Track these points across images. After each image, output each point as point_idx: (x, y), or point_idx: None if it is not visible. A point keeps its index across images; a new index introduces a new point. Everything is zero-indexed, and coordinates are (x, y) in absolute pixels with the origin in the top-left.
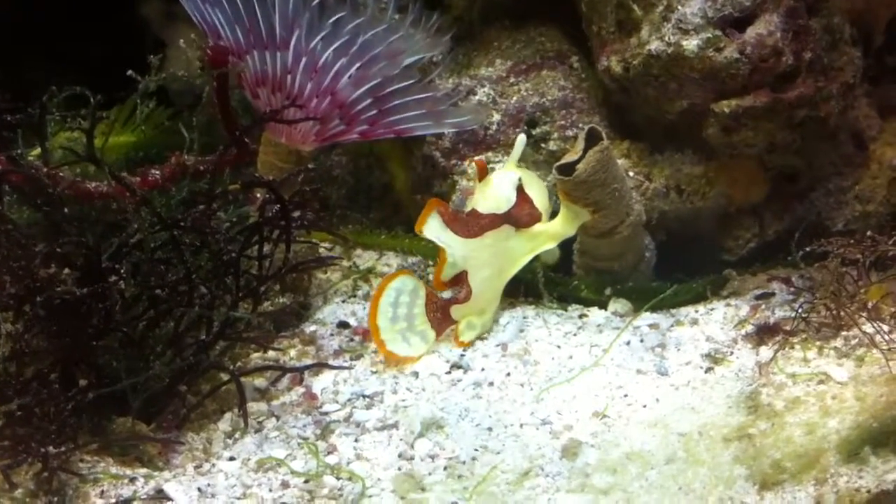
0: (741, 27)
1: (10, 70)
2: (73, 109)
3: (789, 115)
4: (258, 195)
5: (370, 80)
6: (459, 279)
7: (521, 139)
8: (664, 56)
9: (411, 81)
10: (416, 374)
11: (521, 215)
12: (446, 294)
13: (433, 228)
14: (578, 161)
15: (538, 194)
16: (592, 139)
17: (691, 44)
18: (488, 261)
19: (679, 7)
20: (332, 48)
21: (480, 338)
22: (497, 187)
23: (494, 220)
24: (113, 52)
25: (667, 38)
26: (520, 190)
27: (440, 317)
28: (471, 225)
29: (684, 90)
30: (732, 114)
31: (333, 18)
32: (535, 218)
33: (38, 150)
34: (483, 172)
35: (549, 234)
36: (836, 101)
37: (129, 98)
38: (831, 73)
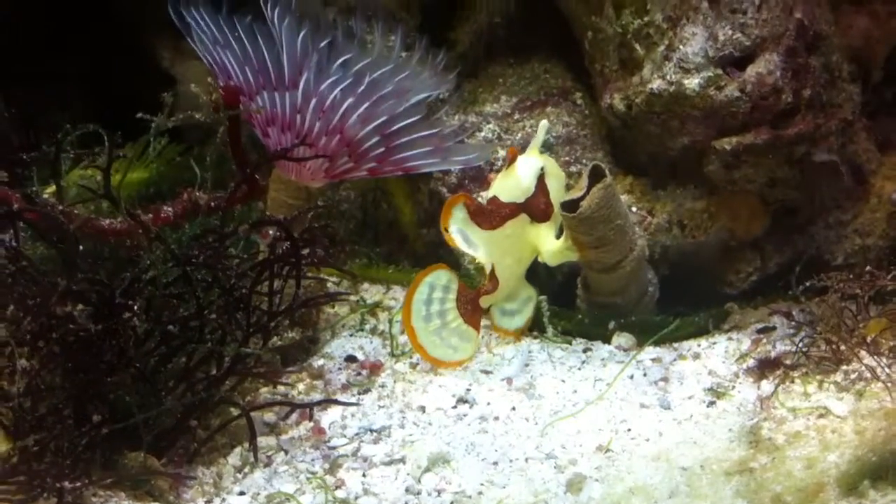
0: (741, 66)
1: (26, 90)
2: (86, 145)
3: (789, 152)
4: (269, 231)
5: (377, 119)
6: (488, 273)
7: (545, 124)
8: (666, 94)
9: (418, 119)
10: (422, 409)
11: (537, 206)
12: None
13: (458, 221)
14: (582, 198)
15: (556, 187)
16: (596, 176)
17: (692, 82)
18: (509, 249)
19: (680, 46)
20: (340, 88)
21: (485, 372)
22: (520, 176)
23: (515, 210)
24: (124, 84)
25: (668, 77)
26: (540, 179)
27: (470, 309)
28: (493, 216)
29: (686, 127)
30: (733, 151)
31: (341, 59)
32: (548, 213)
33: (53, 188)
34: (514, 160)
35: (548, 250)
36: (836, 137)
37: (141, 137)
38: (830, 109)
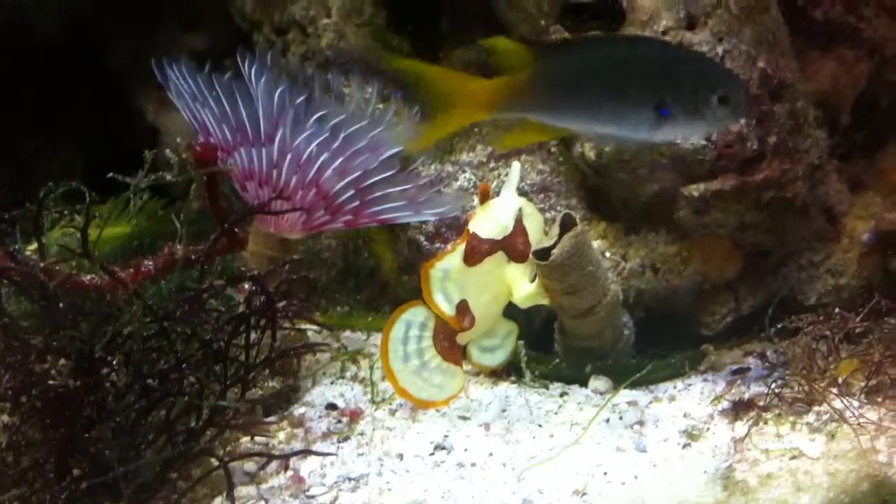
0: None
1: (8, 140)
2: (71, 197)
3: (757, 197)
4: (245, 286)
5: (353, 172)
6: (461, 308)
7: (517, 166)
8: (634, 143)
9: (393, 171)
10: (400, 456)
11: (515, 245)
12: (457, 328)
13: (437, 284)
14: (553, 246)
15: (534, 228)
16: (567, 225)
17: None
18: (487, 286)
19: None
20: (315, 143)
21: (463, 417)
22: (498, 214)
23: (493, 247)
24: (113, 137)
25: None
26: (518, 220)
27: (448, 346)
28: (473, 253)
29: (655, 175)
30: (701, 197)
31: (317, 115)
32: (526, 253)
33: (35, 245)
34: (486, 196)
35: (521, 294)
36: (803, 181)
37: (124, 192)
38: (796, 155)
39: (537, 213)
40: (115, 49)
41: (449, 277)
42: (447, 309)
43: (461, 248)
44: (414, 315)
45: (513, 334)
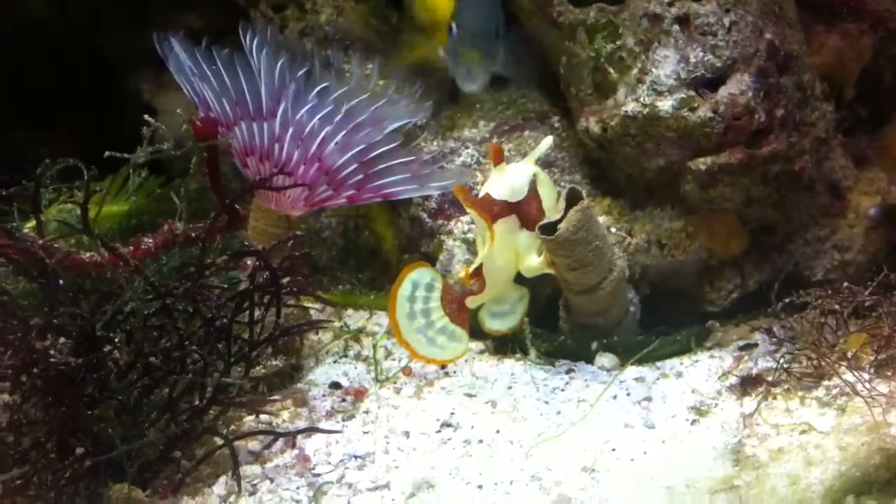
0: (714, 87)
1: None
2: (67, 177)
3: (764, 171)
4: (248, 262)
5: (355, 146)
6: (475, 271)
7: (549, 140)
8: (640, 117)
9: (395, 145)
10: (406, 434)
11: (528, 212)
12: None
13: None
14: (559, 221)
15: (547, 197)
16: (573, 199)
17: (666, 104)
18: (498, 250)
19: (653, 69)
20: (317, 117)
21: (469, 395)
22: (513, 176)
23: (505, 209)
24: (106, 117)
25: (642, 100)
26: (532, 185)
27: (456, 309)
28: (486, 213)
29: (661, 149)
30: (708, 171)
31: (318, 88)
32: (538, 219)
33: (33, 223)
34: (499, 157)
35: (528, 265)
36: (810, 155)
37: (122, 169)
38: (803, 128)
39: (550, 183)
40: (108, 31)
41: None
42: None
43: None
44: (420, 276)
45: (524, 300)
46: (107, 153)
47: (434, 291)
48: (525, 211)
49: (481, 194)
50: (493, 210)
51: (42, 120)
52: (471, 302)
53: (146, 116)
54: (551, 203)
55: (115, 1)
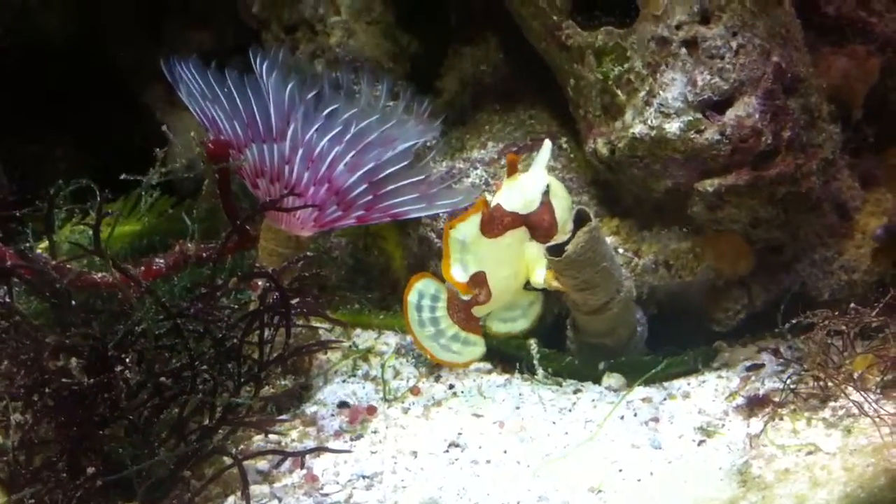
0: (721, 109)
1: (15, 141)
2: (82, 199)
3: (771, 192)
4: (259, 282)
5: (364, 167)
6: (478, 280)
7: (548, 144)
8: (648, 139)
9: (404, 166)
10: (414, 454)
11: (540, 223)
12: (466, 296)
13: (466, 229)
14: (567, 242)
15: (561, 207)
16: (581, 220)
17: (673, 126)
18: (506, 261)
19: (660, 92)
20: (327, 138)
21: (476, 415)
22: (526, 188)
23: (516, 220)
24: (118, 134)
25: (650, 122)
26: (545, 197)
27: (465, 318)
28: (495, 224)
29: (668, 170)
30: (716, 192)
31: (328, 110)
32: (551, 232)
33: (45, 244)
34: (514, 168)
35: (536, 279)
36: (817, 176)
37: (134, 190)
38: (810, 150)
39: (566, 194)
40: (121, 49)
41: (468, 249)
42: (461, 277)
43: (476, 217)
44: (425, 286)
45: (536, 305)
46: (122, 176)
47: (439, 301)
48: (537, 221)
49: (492, 204)
50: (505, 221)
51: (54, 135)
52: (477, 311)
53: (164, 128)
54: (565, 213)
55: (129, 18)
